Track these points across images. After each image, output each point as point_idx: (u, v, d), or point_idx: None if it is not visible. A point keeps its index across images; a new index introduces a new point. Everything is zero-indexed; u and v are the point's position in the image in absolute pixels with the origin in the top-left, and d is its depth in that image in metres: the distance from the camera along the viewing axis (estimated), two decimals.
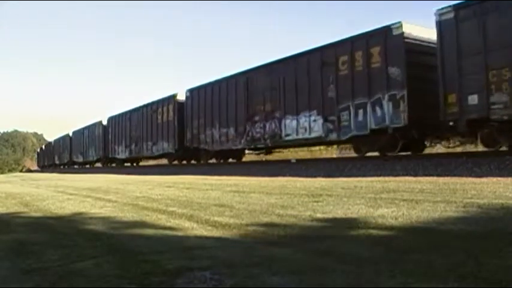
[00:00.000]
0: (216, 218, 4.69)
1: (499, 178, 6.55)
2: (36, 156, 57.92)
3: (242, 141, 15.08)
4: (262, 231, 3.85)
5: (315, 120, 12.22)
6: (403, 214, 4.17)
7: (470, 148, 11.84)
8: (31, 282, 2.57)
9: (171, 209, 5.78)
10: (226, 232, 3.93)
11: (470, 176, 7.16)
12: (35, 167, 54.52)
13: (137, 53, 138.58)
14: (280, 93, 13.41)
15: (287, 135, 13.19)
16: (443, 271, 2.34)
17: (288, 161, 14.18)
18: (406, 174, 8.16)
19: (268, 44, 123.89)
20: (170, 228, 4.30)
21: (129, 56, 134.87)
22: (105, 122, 28.01)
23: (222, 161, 17.68)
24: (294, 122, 12.86)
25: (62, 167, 38.87)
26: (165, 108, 20.20)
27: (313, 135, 12.37)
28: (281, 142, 13.67)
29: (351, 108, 11.10)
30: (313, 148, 17.03)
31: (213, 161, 18.10)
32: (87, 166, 32.65)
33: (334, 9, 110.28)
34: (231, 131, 15.57)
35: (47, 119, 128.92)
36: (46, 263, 2.99)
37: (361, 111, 10.84)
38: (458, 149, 10.98)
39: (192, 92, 18.18)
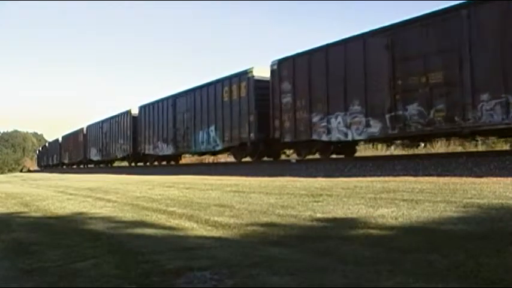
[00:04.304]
0: (216, 218, 4.69)
1: (499, 178, 6.54)
2: (36, 156, 57.81)
3: None
4: (262, 231, 3.86)
5: None
6: (403, 214, 4.17)
7: (470, 148, 11.86)
8: (31, 282, 2.57)
9: (171, 209, 5.78)
10: (226, 232, 3.93)
11: (470, 176, 7.15)
12: (35, 167, 54.49)
13: (137, 53, 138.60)
14: None
15: None
16: (443, 271, 2.34)
17: (288, 161, 14.16)
18: (406, 174, 8.15)
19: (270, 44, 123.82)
20: (170, 228, 4.30)
21: (129, 56, 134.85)
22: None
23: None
24: None
25: (74, 166, 35.64)
26: None
27: None
28: None
29: None
30: None
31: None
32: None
33: (334, 9, 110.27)
34: None
35: (47, 119, 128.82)
36: (46, 263, 3.00)
37: None
38: (458, 149, 11.01)
39: None
